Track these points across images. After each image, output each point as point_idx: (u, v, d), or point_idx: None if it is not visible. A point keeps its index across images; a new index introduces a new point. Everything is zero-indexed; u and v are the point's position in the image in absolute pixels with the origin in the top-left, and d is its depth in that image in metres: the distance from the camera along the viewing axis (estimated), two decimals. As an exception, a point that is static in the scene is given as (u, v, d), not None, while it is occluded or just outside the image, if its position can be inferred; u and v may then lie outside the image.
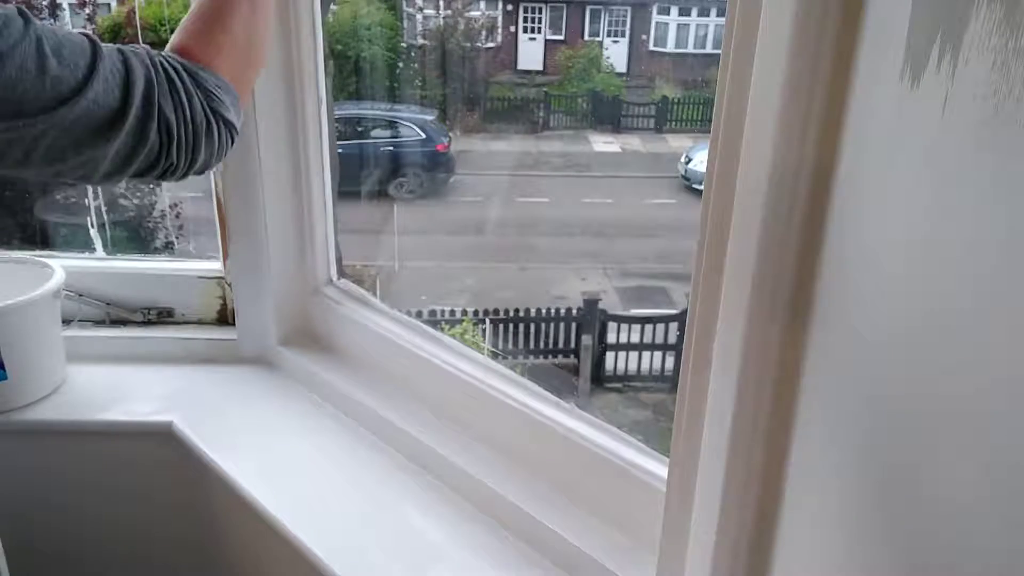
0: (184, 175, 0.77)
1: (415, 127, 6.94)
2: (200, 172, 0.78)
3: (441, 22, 8.11)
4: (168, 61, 0.75)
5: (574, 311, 6.16)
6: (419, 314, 5.45)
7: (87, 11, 4.20)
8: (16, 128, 0.63)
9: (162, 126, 0.71)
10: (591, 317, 6.04)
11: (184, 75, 0.74)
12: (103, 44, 0.69)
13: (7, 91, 0.61)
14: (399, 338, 1.24)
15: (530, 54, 8.84)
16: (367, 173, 6.45)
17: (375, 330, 1.28)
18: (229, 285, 1.43)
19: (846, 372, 0.55)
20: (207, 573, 1.39)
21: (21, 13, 0.64)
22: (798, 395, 0.60)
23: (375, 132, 6.84)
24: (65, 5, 4.15)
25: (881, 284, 0.52)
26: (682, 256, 6.12)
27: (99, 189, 1.87)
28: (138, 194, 4.34)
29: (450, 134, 7.67)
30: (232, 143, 0.80)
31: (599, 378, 6.01)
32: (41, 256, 1.41)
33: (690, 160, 7.16)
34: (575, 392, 5.83)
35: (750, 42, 0.57)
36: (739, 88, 0.59)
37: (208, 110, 0.75)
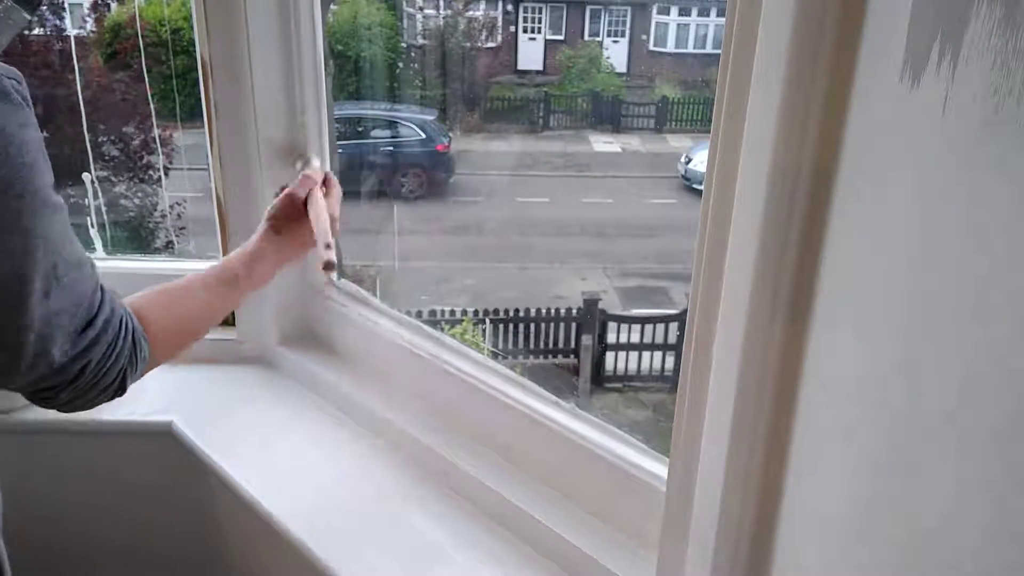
0: (50, 404, 0.76)
1: (415, 127, 6.94)
2: (62, 409, 0.78)
3: (441, 22, 8.11)
4: (130, 321, 0.78)
5: (574, 311, 6.16)
6: (419, 314, 5.45)
7: (95, 13, 4.24)
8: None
9: (79, 365, 0.72)
10: (591, 317, 6.04)
11: (129, 340, 0.78)
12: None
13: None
14: (399, 338, 1.24)
15: (530, 54, 8.84)
16: (367, 173, 6.45)
17: (375, 330, 1.28)
18: (229, 285, 1.43)
19: (846, 372, 0.55)
20: (207, 572, 1.39)
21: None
22: (798, 395, 0.60)
23: (375, 132, 6.84)
24: (66, 5, 4.16)
25: (881, 284, 0.52)
26: (682, 256, 6.12)
27: (99, 188, 1.87)
28: (139, 194, 4.35)
29: (450, 134, 7.67)
30: (108, 400, 0.80)
31: (599, 378, 6.01)
32: (41, 256, 1.40)
33: (690, 160, 7.16)
34: (575, 392, 5.83)
35: (750, 42, 0.57)
36: (739, 88, 0.58)
37: (120, 377, 0.78)
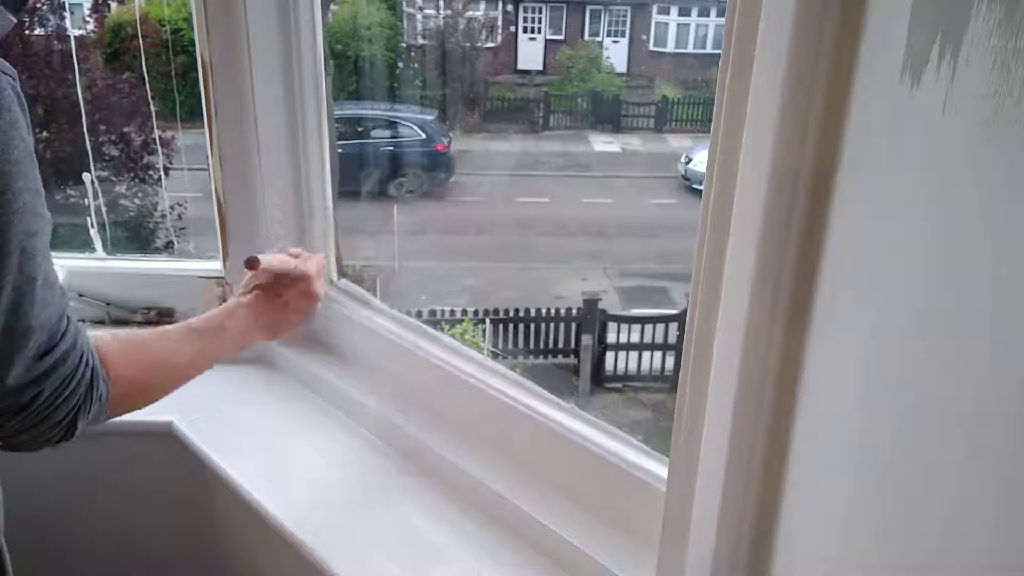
0: None
1: (415, 127, 6.94)
2: (7, 443, 0.74)
3: (441, 22, 8.11)
4: (91, 358, 0.74)
5: (574, 311, 6.16)
6: (419, 314, 5.46)
7: (96, 14, 4.25)
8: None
9: (31, 393, 0.68)
10: (591, 317, 6.04)
11: (87, 377, 0.73)
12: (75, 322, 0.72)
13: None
14: (399, 338, 1.24)
15: (530, 54, 8.84)
16: (367, 173, 6.46)
17: (375, 330, 1.28)
18: (229, 285, 1.43)
19: (846, 372, 0.55)
20: (206, 572, 1.39)
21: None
22: (798, 395, 0.60)
23: (375, 132, 6.85)
24: (67, 5, 4.16)
25: (881, 284, 0.52)
26: (682, 256, 6.11)
27: (99, 188, 1.87)
28: (139, 195, 4.36)
29: (450, 134, 7.68)
30: (55, 445, 0.76)
31: (599, 378, 6.02)
32: (41, 256, 1.40)
33: (690, 160, 7.17)
34: (575, 392, 5.84)
35: (750, 42, 0.57)
36: (739, 88, 0.58)
37: (72, 414, 0.73)
